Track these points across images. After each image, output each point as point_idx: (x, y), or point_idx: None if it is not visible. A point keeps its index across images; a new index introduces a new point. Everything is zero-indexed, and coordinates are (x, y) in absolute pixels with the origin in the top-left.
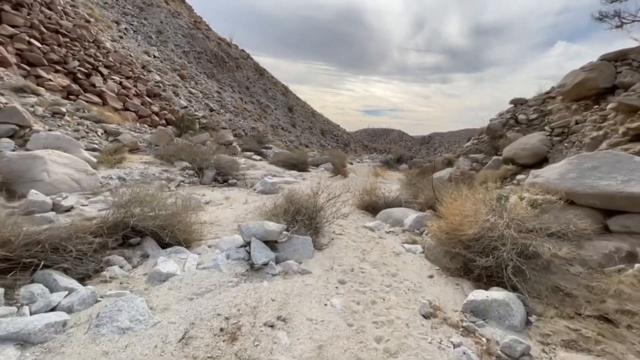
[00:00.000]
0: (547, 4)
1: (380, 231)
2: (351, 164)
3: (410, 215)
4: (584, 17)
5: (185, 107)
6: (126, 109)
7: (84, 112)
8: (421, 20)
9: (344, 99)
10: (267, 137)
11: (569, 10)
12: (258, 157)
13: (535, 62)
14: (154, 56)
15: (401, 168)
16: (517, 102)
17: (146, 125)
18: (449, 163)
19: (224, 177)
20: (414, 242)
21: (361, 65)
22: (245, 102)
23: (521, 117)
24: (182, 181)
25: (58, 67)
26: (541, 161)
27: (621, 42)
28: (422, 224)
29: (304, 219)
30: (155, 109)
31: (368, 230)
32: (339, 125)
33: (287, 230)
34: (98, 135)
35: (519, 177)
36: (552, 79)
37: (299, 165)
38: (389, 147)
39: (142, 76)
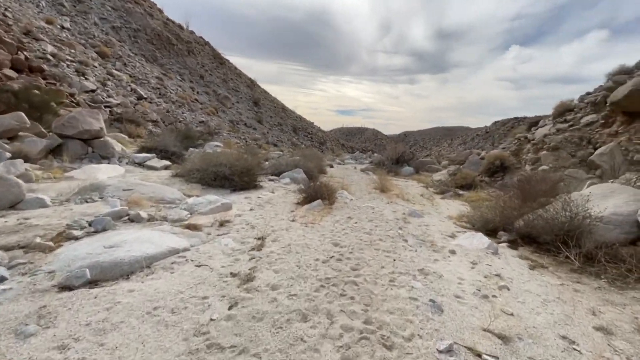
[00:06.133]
0: (502, 11)
1: None
2: (331, 166)
3: None
4: (534, 24)
5: (93, 90)
6: None
7: None
8: (388, 23)
9: (317, 99)
10: (219, 132)
11: (521, 17)
12: (162, 164)
13: (494, 64)
14: (62, 27)
15: (404, 172)
16: None
17: None
18: (503, 167)
19: None
20: None
21: (332, 65)
22: (198, 93)
23: None
24: None
25: None
26: None
27: (566, 48)
28: None
29: None
30: (15, 86)
31: None
32: (313, 123)
33: None
34: None
35: None
36: (509, 80)
37: (235, 180)
38: (365, 145)
39: (11, 41)
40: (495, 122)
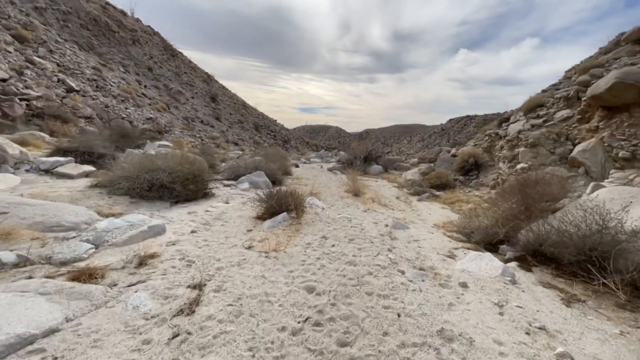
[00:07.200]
0: (450, 16)
1: None
2: (297, 166)
3: None
4: (478, 30)
5: (4, 80)
6: None
7: None
8: (347, 23)
9: (279, 96)
10: (171, 130)
11: (466, 22)
12: (80, 170)
13: (445, 66)
14: None
15: (373, 170)
16: None
17: None
18: (477, 165)
19: None
20: None
21: (293, 63)
22: (146, 86)
23: None
24: None
25: None
26: None
27: (506, 53)
28: None
29: None
30: None
31: None
32: (276, 120)
33: None
34: None
35: None
36: (458, 81)
37: (177, 189)
38: (330, 143)
39: None
40: (450, 120)
